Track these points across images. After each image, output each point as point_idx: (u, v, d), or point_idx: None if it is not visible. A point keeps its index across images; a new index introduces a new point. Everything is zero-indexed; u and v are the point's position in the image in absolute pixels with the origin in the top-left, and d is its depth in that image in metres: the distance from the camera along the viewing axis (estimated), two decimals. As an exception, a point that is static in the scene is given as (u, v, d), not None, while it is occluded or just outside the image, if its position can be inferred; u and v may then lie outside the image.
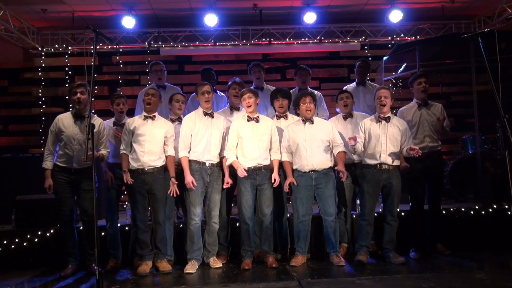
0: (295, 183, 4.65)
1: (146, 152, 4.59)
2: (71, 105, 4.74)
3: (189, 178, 4.54)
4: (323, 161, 4.63)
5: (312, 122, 4.70)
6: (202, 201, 4.68)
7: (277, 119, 4.99)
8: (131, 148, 4.64)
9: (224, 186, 4.66)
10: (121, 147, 4.66)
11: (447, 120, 5.04)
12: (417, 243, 4.90)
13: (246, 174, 4.56)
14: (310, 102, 4.66)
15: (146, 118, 4.68)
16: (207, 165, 4.64)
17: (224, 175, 4.70)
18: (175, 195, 4.61)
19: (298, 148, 4.66)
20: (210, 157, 4.66)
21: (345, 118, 5.09)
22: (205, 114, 4.72)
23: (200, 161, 4.63)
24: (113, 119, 5.07)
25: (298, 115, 4.83)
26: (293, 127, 4.76)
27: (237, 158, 4.65)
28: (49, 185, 4.57)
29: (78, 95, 4.57)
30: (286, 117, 4.99)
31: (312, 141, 4.63)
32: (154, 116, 4.71)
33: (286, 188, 4.67)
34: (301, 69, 5.79)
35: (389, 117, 4.71)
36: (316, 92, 5.78)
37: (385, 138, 4.64)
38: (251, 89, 4.78)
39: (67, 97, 4.75)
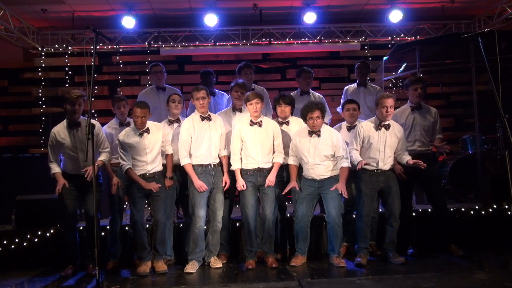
0: (297, 188, 4.65)
1: (149, 162, 4.61)
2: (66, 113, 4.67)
3: (198, 183, 4.56)
4: (324, 172, 4.59)
5: (318, 135, 4.61)
6: (206, 203, 4.69)
7: (279, 125, 4.91)
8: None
9: (225, 188, 4.69)
10: (124, 163, 4.57)
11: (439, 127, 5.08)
12: (411, 241, 4.95)
13: (245, 188, 4.60)
14: (318, 118, 4.55)
15: (141, 134, 4.61)
16: (210, 167, 4.66)
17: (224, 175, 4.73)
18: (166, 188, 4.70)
19: (302, 159, 4.66)
20: (212, 160, 4.68)
21: (349, 129, 5.02)
22: (203, 118, 4.71)
23: (203, 164, 4.66)
24: (113, 120, 5.08)
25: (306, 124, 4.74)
26: (299, 136, 4.68)
27: (241, 160, 4.68)
28: (63, 183, 4.49)
29: (76, 106, 4.57)
30: (288, 123, 4.92)
31: (315, 155, 4.58)
32: (148, 128, 4.65)
33: (286, 189, 4.66)
34: (304, 71, 5.75)
35: (389, 125, 4.67)
36: (317, 94, 5.76)
37: (383, 147, 4.62)
38: (258, 94, 4.72)
39: (64, 105, 4.69)
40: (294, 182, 4.65)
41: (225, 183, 4.69)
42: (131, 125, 4.72)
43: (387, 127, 4.65)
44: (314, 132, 4.61)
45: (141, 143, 4.60)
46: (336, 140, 4.60)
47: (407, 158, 4.63)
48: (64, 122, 4.67)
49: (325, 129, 4.69)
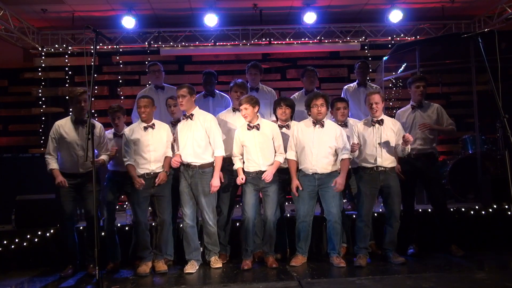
0: (300, 187, 4.62)
1: (152, 161, 4.61)
2: (71, 110, 4.70)
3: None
4: (327, 166, 4.58)
5: (322, 125, 4.63)
6: (192, 201, 4.65)
7: (279, 129, 4.88)
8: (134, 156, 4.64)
9: (211, 191, 4.57)
10: (125, 158, 4.59)
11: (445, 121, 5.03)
12: (411, 241, 4.96)
13: (243, 182, 4.59)
14: (322, 105, 4.59)
15: (146, 128, 4.65)
16: (189, 167, 4.63)
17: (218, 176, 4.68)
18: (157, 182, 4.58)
19: (304, 150, 4.62)
20: (192, 159, 4.62)
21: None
22: (184, 117, 4.70)
23: (184, 163, 4.66)
24: (112, 130, 5.04)
25: (310, 116, 4.75)
26: (302, 127, 4.70)
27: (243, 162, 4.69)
28: (61, 180, 4.48)
29: (82, 103, 4.55)
30: (288, 127, 4.90)
31: (319, 145, 4.58)
32: (153, 124, 4.68)
33: (294, 190, 4.63)
34: (308, 70, 5.78)
35: (382, 120, 4.68)
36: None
37: (379, 142, 4.64)
38: (248, 98, 4.63)
39: (67, 97, 4.72)
40: (296, 180, 4.63)
41: (211, 185, 4.56)
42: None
43: (380, 122, 4.66)
44: (318, 122, 4.62)
45: (144, 138, 4.60)
46: (340, 132, 4.64)
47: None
48: (69, 118, 4.68)
49: (328, 122, 4.74)
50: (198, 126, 4.65)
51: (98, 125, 4.66)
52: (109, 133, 5.02)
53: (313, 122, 4.65)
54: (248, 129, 4.66)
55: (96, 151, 4.58)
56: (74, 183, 4.59)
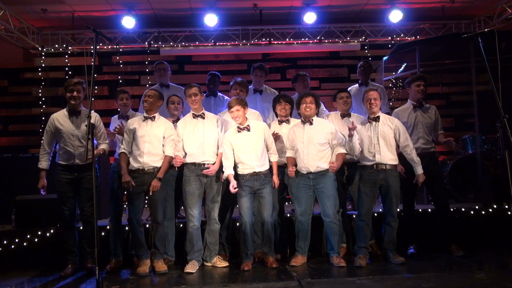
0: (293, 173, 4.63)
1: (145, 153, 4.57)
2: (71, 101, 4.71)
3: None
4: (320, 164, 4.59)
5: (311, 123, 4.68)
6: (200, 202, 4.68)
7: (279, 123, 4.97)
8: (131, 148, 4.65)
9: (205, 172, 4.55)
10: (121, 145, 4.66)
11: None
12: (411, 241, 4.96)
13: (235, 190, 4.50)
14: (310, 102, 4.65)
15: (145, 119, 4.67)
16: (204, 166, 4.63)
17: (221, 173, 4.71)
18: (150, 193, 4.50)
19: (297, 150, 4.67)
20: (205, 158, 4.65)
21: (342, 116, 5.09)
22: (194, 116, 4.71)
23: (196, 162, 4.65)
24: (117, 116, 5.16)
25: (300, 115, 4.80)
26: (294, 129, 4.76)
27: (236, 165, 4.66)
28: (42, 185, 4.61)
29: (74, 93, 4.60)
30: (288, 121, 4.95)
31: (309, 144, 4.61)
32: (154, 117, 4.69)
33: (292, 174, 4.63)
34: (300, 75, 5.82)
35: (378, 117, 4.71)
36: None
37: (377, 139, 4.64)
38: (238, 100, 4.61)
39: (64, 94, 4.75)
40: (290, 168, 4.65)
41: (209, 167, 4.57)
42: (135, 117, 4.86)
43: (377, 119, 4.69)
44: (307, 119, 4.66)
45: (141, 129, 4.61)
46: (331, 129, 4.68)
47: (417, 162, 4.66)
48: (64, 110, 4.71)
49: (318, 119, 4.78)
50: (211, 125, 4.71)
51: (94, 115, 4.62)
52: (114, 118, 5.13)
53: (302, 121, 4.70)
54: (238, 131, 4.64)
55: (95, 141, 4.60)
56: (71, 178, 4.59)
